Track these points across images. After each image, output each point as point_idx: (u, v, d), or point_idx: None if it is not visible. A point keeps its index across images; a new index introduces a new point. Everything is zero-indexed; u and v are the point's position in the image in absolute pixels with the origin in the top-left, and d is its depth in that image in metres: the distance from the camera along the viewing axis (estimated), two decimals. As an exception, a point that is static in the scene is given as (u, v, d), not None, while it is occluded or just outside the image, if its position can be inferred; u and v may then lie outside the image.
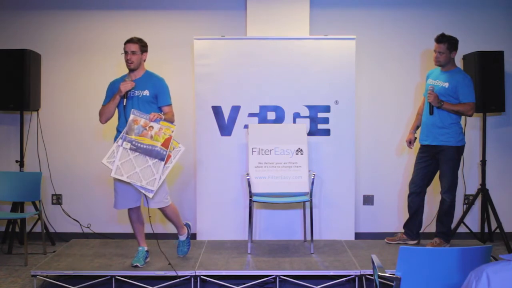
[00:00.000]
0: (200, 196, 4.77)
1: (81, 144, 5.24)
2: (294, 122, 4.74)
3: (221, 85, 4.74)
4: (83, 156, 5.24)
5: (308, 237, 4.48)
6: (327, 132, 4.76)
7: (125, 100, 3.79)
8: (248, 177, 4.36)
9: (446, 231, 4.37)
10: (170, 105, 3.91)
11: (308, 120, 4.74)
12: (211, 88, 4.72)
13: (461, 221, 5.02)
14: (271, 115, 4.76)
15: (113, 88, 3.89)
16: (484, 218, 5.07)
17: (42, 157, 5.19)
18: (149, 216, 3.81)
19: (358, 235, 4.91)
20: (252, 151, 4.49)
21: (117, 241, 4.70)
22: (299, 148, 4.51)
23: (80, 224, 5.22)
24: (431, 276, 2.37)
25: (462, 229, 5.05)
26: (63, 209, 5.24)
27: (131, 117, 3.73)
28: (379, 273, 2.58)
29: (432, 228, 4.63)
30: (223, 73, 4.76)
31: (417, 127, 4.56)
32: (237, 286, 3.76)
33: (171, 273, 3.76)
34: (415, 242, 4.53)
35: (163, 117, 3.77)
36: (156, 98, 3.86)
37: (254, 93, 4.75)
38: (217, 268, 3.86)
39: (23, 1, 5.24)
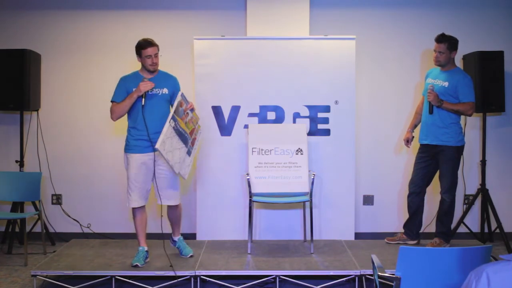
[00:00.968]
0: (200, 196, 4.77)
1: (81, 144, 5.24)
2: (294, 122, 4.74)
3: (221, 85, 4.74)
4: (83, 156, 5.24)
5: (308, 237, 4.48)
6: (327, 132, 4.76)
7: (143, 99, 3.86)
8: (248, 177, 4.36)
9: (446, 231, 4.37)
10: None
11: (308, 120, 4.74)
12: (211, 88, 4.72)
13: (461, 221, 5.03)
14: (271, 115, 4.76)
15: (125, 84, 3.93)
16: (484, 218, 5.07)
17: (42, 157, 5.19)
18: (161, 216, 3.93)
19: (358, 235, 4.91)
20: (252, 151, 4.49)
21: (117, 241, 4.70)
22: (299, 148, 4.51)
23: (80, 224, 5.22)
24: (431, 276, 2.37)
25: (462, 229, 5.05)
26: (63, 209, 5.24)
27: (180, 98, 3.87)
28: (379, 273, 2.58)
29: (432, 228, 4.63)
30: (223, 73, 4.76)
31: (415, 126, 4.56)
32: (237, 286, 3.76)
33: (171, 273, 3.77)
34: (415, 242, 4.52)
35: (195, 108, 4.03)
36: (171, 97, 3.97)
37: (254, 93, 4.75)
38: (217, 268, 3.86)
39: (23, 1, 5.24)
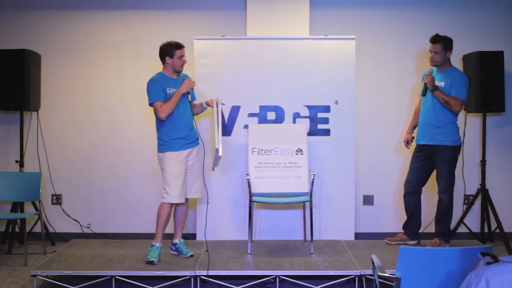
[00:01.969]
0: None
1: (81, 144, 5.24)
2: (294, 122, 4.74)
3: (221, 85, 4.74)
4: (83, 156, 5.24)
5: (308, 237, 4.48)
6: (327, 132, 4.76)
7: (189, 96, 4.11)
8: (248, 177, 4.36)
9: (445, 231, 4.37)
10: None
11: (308, 120, 4.74)
12: (211, 88, 4.72)
13: (461, 221, 5.03)
14: (271, 115, 4.76)
15: (160, 84, 4.03)
16: (484, 218, 5.07)
17: (42, 157, 5.18)
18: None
19: (358, 235, 4.91)
20: (252, 151, 4.49)
21: (117, 241, 4.70)
22: (299, 148, 4.51)
23: (80, 224, 5.22)
24: (431, 276, 2.37)
25: (462, 229, 5.05)
26: (63, 209, 5.24)
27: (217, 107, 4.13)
28: (379, 273, 2.58)
29: (432, 228, 4.62)
30: (223, 73, 4.76)
31: (414, 127, 4.57)
32: (237, 286, 3.76)
33: (171, 273, 3.77)
34: (415, 242, 4.53)
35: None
36: (189, 93, 4.13)
37: (254, 93, 4.75)
38: (217, 268, 3.86)
39: (23, 1, 5.24)
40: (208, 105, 4.16)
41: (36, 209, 4.85)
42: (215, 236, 4.68)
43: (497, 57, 4.91)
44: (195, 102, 4.26)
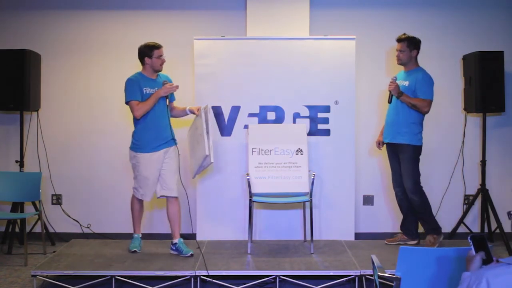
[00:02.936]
0: (200, 196, 4.77)
1: (81, 144, 5.24)
2: (294, 122, 4.74)
3: (221, 85, 4.74)
4: (83, 156, 5.24)
5: (308, 237, 4.48)
6: (327, 132, 4.76)
7: (167, 100, 4.17)
8: (248, 177, 4.36)
9: (433, 226, 4.40)
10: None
11: (308, 120, 4.74)
12: (211, 88, 4.72)
13: (461, 221, 5.03)
14: (271, 115, 4.76)
15: (138, 84, 4.10)
16: (484, 218, 5.07)
17: (42, 157, 5.18)
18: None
19: (358, 235, 4.90)
20: (252, 151, 4.49)
21: (117, 241, 4.70)
22: (299, 148, 4.51)
23: (80, 224, 5.22)
24: (431, 276, 2.37)
25: (462, 229, 5.05)
26: (63, 209, 5.24)
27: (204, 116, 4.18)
28: (379, 273, 2.58)
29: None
30: (223, 73, 4.76)
31: None
32: (237, 286, 3.76)
33: (171, 273, 3.77)
34: (415, 242, 4.52)
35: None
36: (168, 96, 4.20)
37: (254, 93, 4.75)
38: (217, 268, 3.86)
39: (23, 1, 5.25)
40: (192, 112, 4.23)
41: (36, 209, 4.85)
42: (215, 236, 4.68)
43: (497, 57, 4.91)
44: (175, 104, 4.35)
